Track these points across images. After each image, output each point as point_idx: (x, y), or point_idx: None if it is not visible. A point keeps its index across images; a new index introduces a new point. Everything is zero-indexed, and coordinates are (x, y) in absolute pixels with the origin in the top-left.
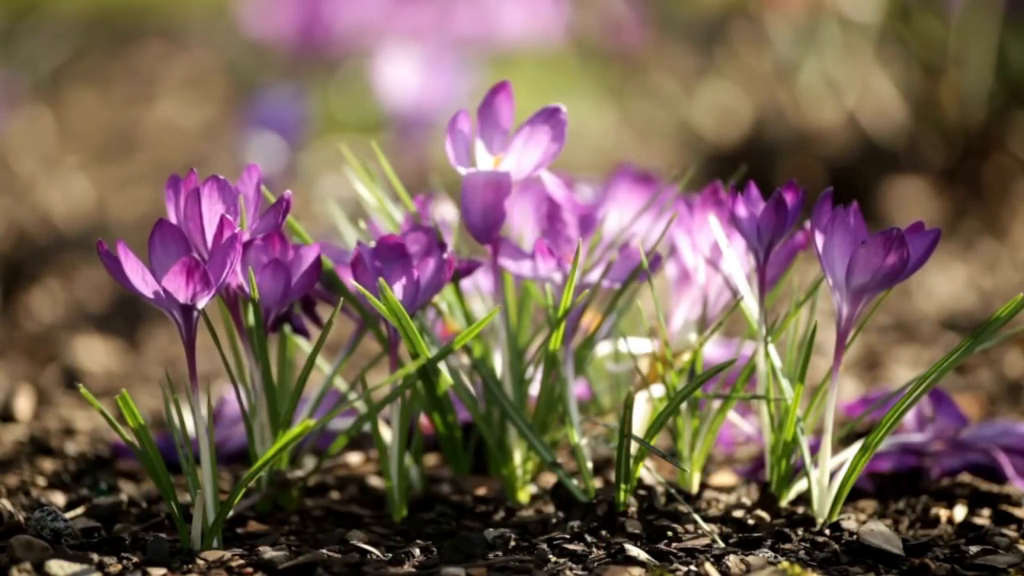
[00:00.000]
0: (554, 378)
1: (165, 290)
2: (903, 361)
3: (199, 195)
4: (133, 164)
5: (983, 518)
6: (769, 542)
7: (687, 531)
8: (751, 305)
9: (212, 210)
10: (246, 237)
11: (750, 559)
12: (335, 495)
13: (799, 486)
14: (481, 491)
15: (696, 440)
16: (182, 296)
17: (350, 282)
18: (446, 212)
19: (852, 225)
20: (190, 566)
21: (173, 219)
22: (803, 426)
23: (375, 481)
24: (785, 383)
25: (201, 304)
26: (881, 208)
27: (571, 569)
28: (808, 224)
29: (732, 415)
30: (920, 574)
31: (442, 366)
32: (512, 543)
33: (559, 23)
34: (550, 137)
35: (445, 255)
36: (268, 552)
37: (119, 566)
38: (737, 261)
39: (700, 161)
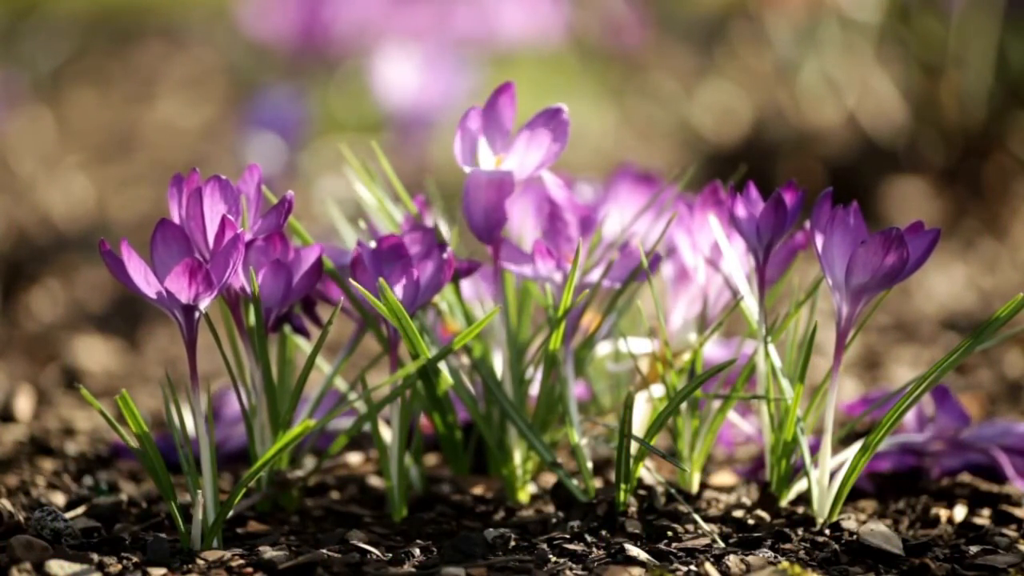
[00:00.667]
0: (554, 378)
1: (167, 290)
2: (903, 361)
3: (201, 195)
4: (133, 164)
5: (983, 518)
6: (769, 542)
7: (687, 531)
8: (751, 305)
9: (214, 210)
10: (248, 237)
11: (750, 559)
12: (335, 495)
13: (799, 486)
14: (481, 491)
15: (696, 440)
16: (184, 296)
17: (351, 282)
18: (438, 219)
19: (852, 225)
20: (190, 566)
21: (175, 218)
22: (803, 426)
23: (375, 481)
24: (785, 383)
25: (203, 305)
26: (881, 208)
27: (571, 569)
28: (808, 224)
29: (732, 415)
30: (920, 574)
31: (442, 366)
32: (512, 543)
33: (559, 23)
34: (552, 137)
35: (445, 255)
36: (268, 552)
37: (119, 566)
38: (737, 261)
39: (700, 161)
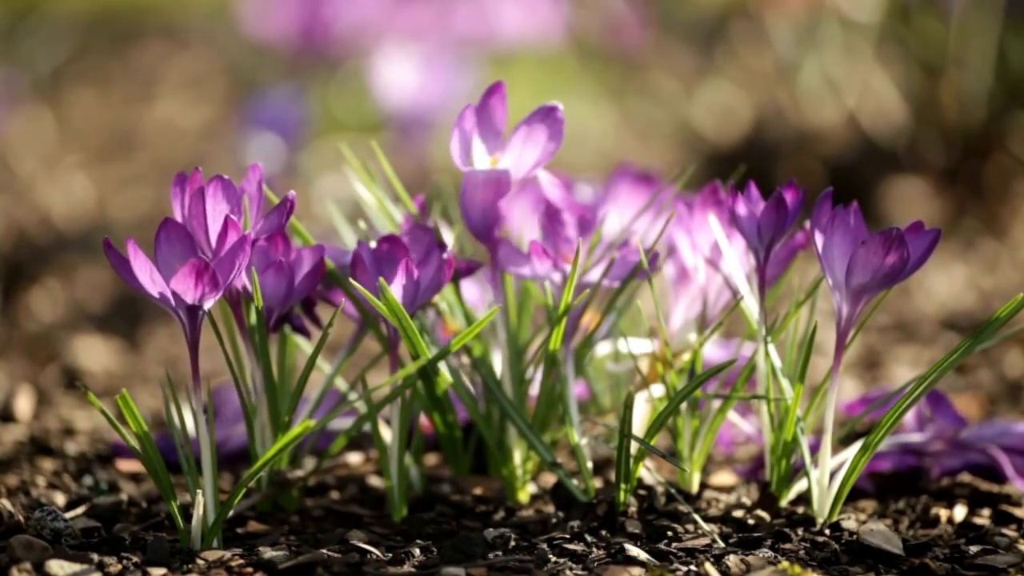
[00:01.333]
0: (554, 378)
1: (173, 290)
2: (903, 361)
3: (203, 194)
4: (133, 164)
5: (983, 518)
6: (769, 542)
7: (687, 531)
8: (751, 305)
9: (216, 209)
10: (250, 237)
11: (750, 559)
12: (335, 495)
13: (799, 486)
14: (481, 491)
15: (696, 440)
16: (190, 297)
17: (351, 282)
18: (438, 219)
19: (852, 225)
20: (190, 566)
21: (178, 218)
22: (803, 426)
23: (375, 481)
24: (785, 383)
25: (208, 305)
26: (881, 208)
27: (571, 569)
28: (808, 224)
29: (732, 415)
30: (920, 574)
31: (442, 366)
32: (512, 543)
33: (559, 23)
34: (547, 136)
35: (445, 255)
36: (268, 552)
37: (119, 566)
38: (737, 261)
39: (700, 161)
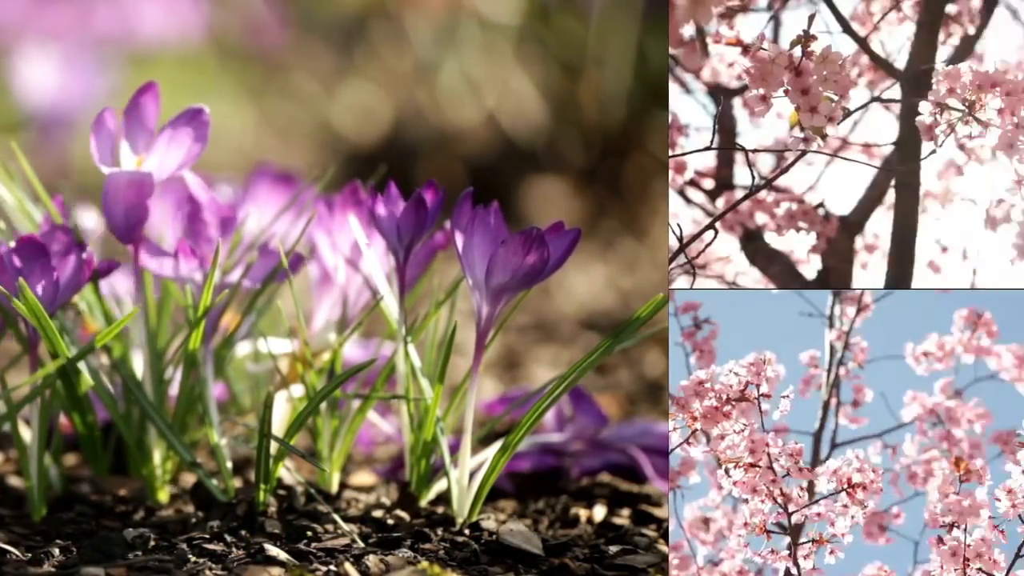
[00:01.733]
0: (194, 378)
1: None
2: (543, 361)
3: None
4: None
5: (623, 518)
6: (409, 542)
7: (327, 531)
8: (391, 305)
9: None
10: None
11: (390, 559)
12: None
13: (439, 486)
14: (121, 491)
15: (336, 440)
16: None
17: None
18: (78, 218)
19: (492, 225)
20: None
21: None
22: (443, 426)
23: (14, 481)
24: (425, 383)
25: None
26: (522, 208)
27: (211, 569)
28: (449, 224)
29: (372, 415)
30: (560, 574)
31: (82, 366)
32: (152, 543)
33: (199, 23)
34: (192, 138)
35: (84, 255)
36: None
37: None
38: (376, 261)
39: (340, 161)
